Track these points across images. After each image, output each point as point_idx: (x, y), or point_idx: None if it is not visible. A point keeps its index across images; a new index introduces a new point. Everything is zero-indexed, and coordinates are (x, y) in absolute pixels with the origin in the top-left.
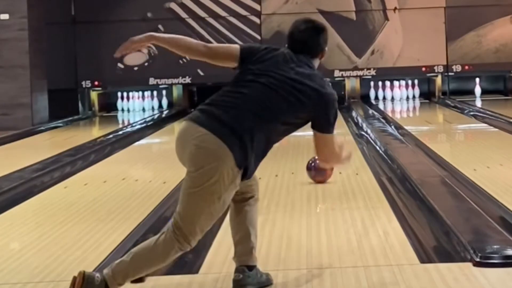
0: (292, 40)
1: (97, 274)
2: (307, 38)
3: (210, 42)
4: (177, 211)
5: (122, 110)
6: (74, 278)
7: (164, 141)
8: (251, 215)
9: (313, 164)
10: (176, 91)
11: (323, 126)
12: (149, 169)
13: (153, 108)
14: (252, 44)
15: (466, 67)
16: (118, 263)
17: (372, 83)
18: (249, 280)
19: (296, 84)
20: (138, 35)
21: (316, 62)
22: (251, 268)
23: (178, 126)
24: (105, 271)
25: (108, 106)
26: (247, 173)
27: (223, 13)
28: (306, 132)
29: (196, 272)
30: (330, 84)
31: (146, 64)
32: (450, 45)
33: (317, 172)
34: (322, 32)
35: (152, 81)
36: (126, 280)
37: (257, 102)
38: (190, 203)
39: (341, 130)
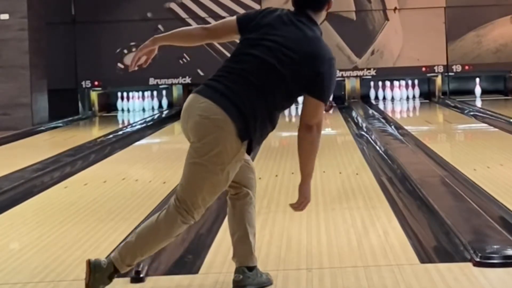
0: None
1: (103, 259)
2: None
3: (210, 42)
4: (180, 183)
5: (122, 110)
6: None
7: (164, 141)
8: (249, 214)
9: None
10: (176, 91)
11: (321, 92)
12: (149, 169)
13: (153, 108)
14: (248, 11)
15: (466, 67)
16: (124, 245)
17: (372, 83)
18: (249, 280)
19: (290, 52)
20: (144, 42)
21: (322, 16)
22: (251, 268)
23: (178, 126)
24: (112, 254)
25: (108, 106)
26: (251, 146)
27: (223, 13)
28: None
29: (196, 272)
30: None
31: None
32: (450, 45)
33: None
34: None
35: (152, 81)
36: (135, 260)
37: (254, 75)
38: (193, 174)
39: (341, 130)
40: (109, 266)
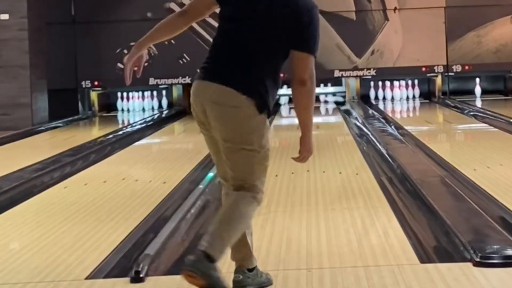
0: None
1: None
2: None
3: (210, 42)
4: (234, 176)
5: (122, 110)
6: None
7: (164, 141)
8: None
9: None
10: (176, 91)
11: (309, 44)
12: (149, 169)
13: (153, 108)
14: None
15: (466, 67)
16: (214, 238)
17: (372, 83)
18: (248, 280)
19: (274, 13)
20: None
21: None
22: (251, 269)
23: (178, 126)
24: (204, 247)
25: (108, 106)
26: (270, 113)
27: None
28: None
29: None
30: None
31: (146, 64)
32: (450, 45)
33: None
34: None
35: (152, 81)
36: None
37: (248, 45)
38: (237, 160)
39: (341, 130)
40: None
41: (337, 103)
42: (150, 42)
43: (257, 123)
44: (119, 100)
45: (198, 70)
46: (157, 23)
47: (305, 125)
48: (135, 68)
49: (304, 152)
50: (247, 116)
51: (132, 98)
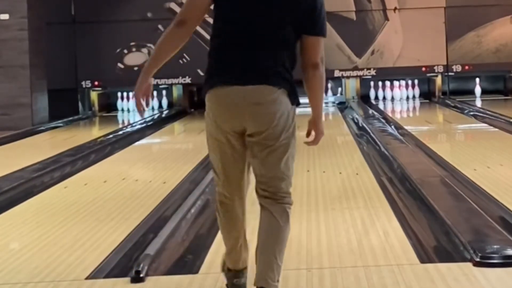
0: None
1: None
2: None
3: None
4: (269, 181)
5: (122, 110)
6: None
7: (164, 141)
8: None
9: None
10: (176, 91)
11: (323, 29)
12: (149, 169)
13: (153, 108)
14: None
15: (466, 67)
16: (269, 267)
17: (372, 83)
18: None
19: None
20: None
21: None
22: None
23: (178, 126)
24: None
25: (108, 106)
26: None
27: None
28: (305, 132)
29: (196, 272)
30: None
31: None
32: (450, 45)
33: None
34: None
35: (152, 81)
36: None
37: (263, 38)
38: (280, 156)
39: (341, 130)
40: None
41: (337, 103)
42: (157, 65)
43: (293, 112)
44: (119, 100)
45: (209, 75)
46: (157, 23)
47: (318, 107)
48: (145, 98)
49: (319, 134)
50: (285, 108)
51: (132, 98)
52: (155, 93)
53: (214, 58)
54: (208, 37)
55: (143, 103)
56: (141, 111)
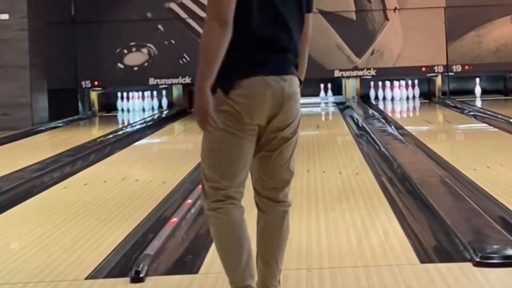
0: None
1: None
2: None
3: None
4: (288, 176)
5: (122, 110)
6: None
7: (164, 141)
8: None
9: None
10: (176, 91)
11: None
12: (149, 169)
13: (153, 108)
14: None
15: (466, 67)
16: (266, 274)
17: (372, 83)
18: None
19: None
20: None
21: None
22: None
23: (178, 126)
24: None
25: (108, 106)
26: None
27: None
28: (305, 132)
29: (196, 272)
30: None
31: (146, 64)
32: (450, 45)
33: None
34: None
35: (152, 81)
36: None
37: (288, 26)
38: (294, 150)
39: (341, 130)
40: None
41: (337, 103)
42: (212, 74)
43: None
44: (119, 100)
45: (237, 66)
46: (157, 23)
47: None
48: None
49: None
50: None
51: (132, 98)
52: (155, 93)
53: (244, 48)
54: None
55: (211, 120)
56: (211, 127)
